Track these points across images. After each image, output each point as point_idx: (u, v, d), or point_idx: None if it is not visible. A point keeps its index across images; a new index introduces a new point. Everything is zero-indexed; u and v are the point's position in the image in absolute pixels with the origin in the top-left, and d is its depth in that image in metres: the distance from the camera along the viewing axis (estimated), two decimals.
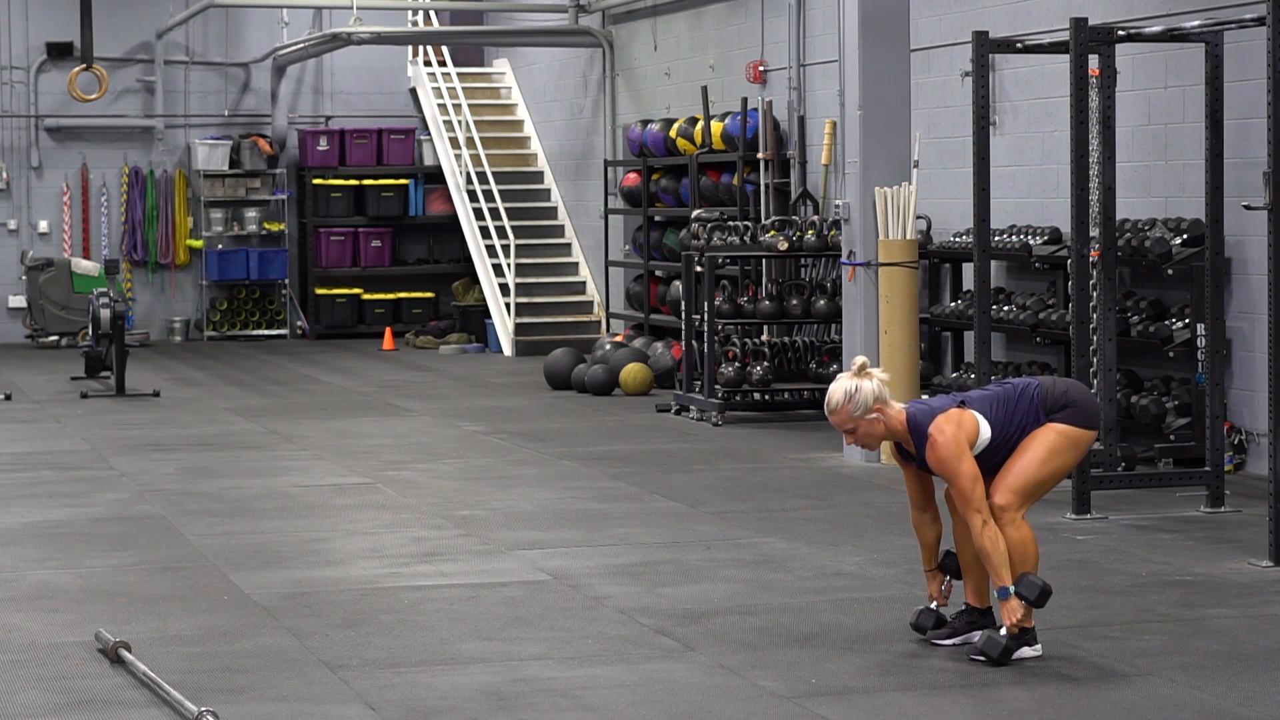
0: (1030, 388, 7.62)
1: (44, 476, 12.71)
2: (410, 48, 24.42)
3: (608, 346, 18.54)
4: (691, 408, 15.70)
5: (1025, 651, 7.49)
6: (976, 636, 7.68)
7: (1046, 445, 7.53)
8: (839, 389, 7.60)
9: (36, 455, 13.77)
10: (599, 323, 22.18)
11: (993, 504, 7.50)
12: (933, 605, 7.83)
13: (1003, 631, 7.44)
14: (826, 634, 8.00)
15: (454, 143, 23.48)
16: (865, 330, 13.11)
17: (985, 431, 7.54)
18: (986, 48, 11.80)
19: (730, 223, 16.33)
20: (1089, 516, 10.75)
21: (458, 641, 7.94)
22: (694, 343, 16.03)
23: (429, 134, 24.44)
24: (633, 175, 20.71)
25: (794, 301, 15.74)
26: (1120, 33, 11.59)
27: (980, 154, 11.74)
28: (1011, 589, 7.43)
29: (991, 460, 7.57)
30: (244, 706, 6.93)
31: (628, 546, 10.09)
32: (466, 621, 8.31)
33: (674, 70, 20.51)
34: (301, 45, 23.66)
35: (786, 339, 16.64)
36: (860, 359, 7.68)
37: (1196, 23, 11.43)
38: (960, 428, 7.51)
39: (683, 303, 16.22)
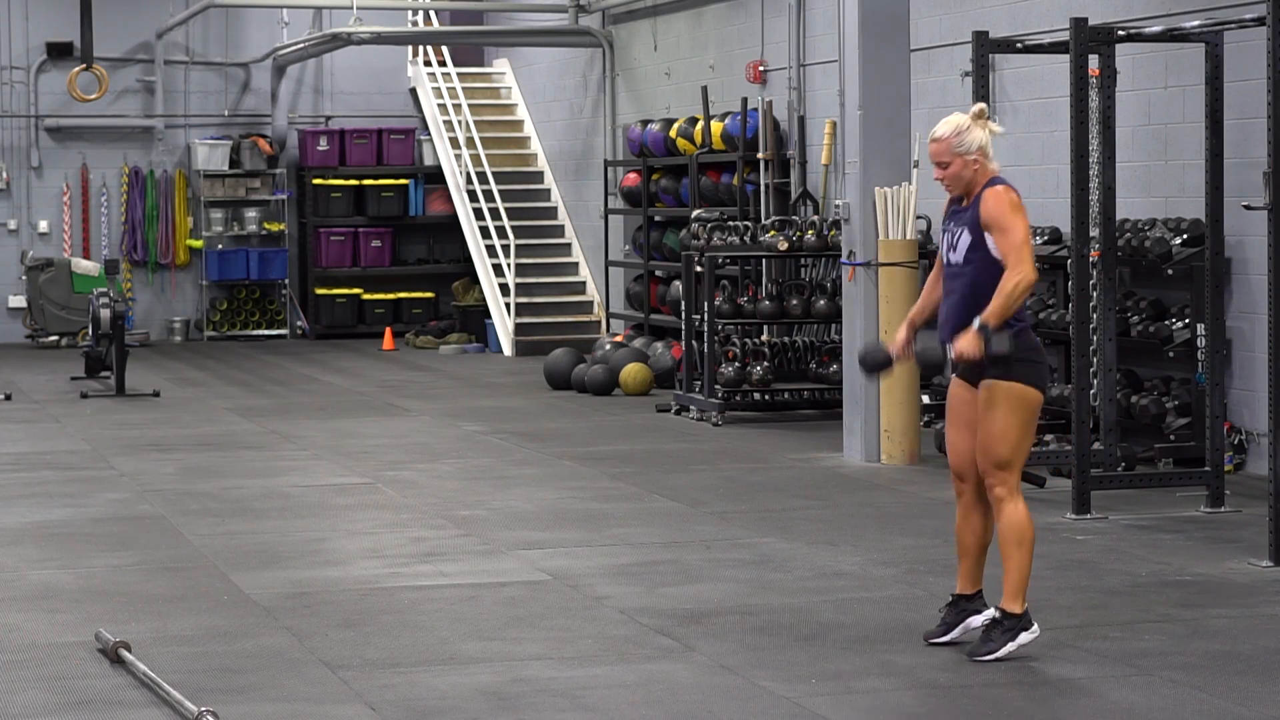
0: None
1: (44, 476, 12.71)
2: (410, 48, 24.43)
3: (608, 346, 18.55)
4: (691, 408, 15.70)
5: (1024, 638, 7.47)
6: (973, 622, 7.66)
7: (1004, 408, 7.45)
8: (951, 121, 7.59)
9: (36, 455, 13.77)
10: (599, 323, 22.18)
11: (989, 489, 7.47)
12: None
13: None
14: (826, 634, 8.00)
15: (454, 143, 23.48)
16: (865, 330, 13.11)
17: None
18: (986, 48, 11.80)
19: (730, 223, 16.34)
20: (1089, 516, 10.75)
21: (458, 641, 7.94)
22: (694, 343, 16.03)
23: (429, 134, 24.44)
24: (633, 175, 20.72)
25: (794, 301, 15.74)
26: (1120, 33, 11.59)
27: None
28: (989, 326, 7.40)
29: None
30: (244, 706, 6.93)
31: (628, 546, 10.09)
32: (466, 621, 8.31)
33: (674, 70, 20.51)
34: (301, 45, 23.66)
35: (786, 339, 16.64)
36: (980, 105, 7.63)
37: (1196, 23, 11.43)
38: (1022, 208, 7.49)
39: (683, 303, 16.22)
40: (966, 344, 7.38)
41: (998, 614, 7.52)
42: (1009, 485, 7.50)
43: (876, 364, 7.74)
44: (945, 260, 7.67)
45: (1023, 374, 7.50)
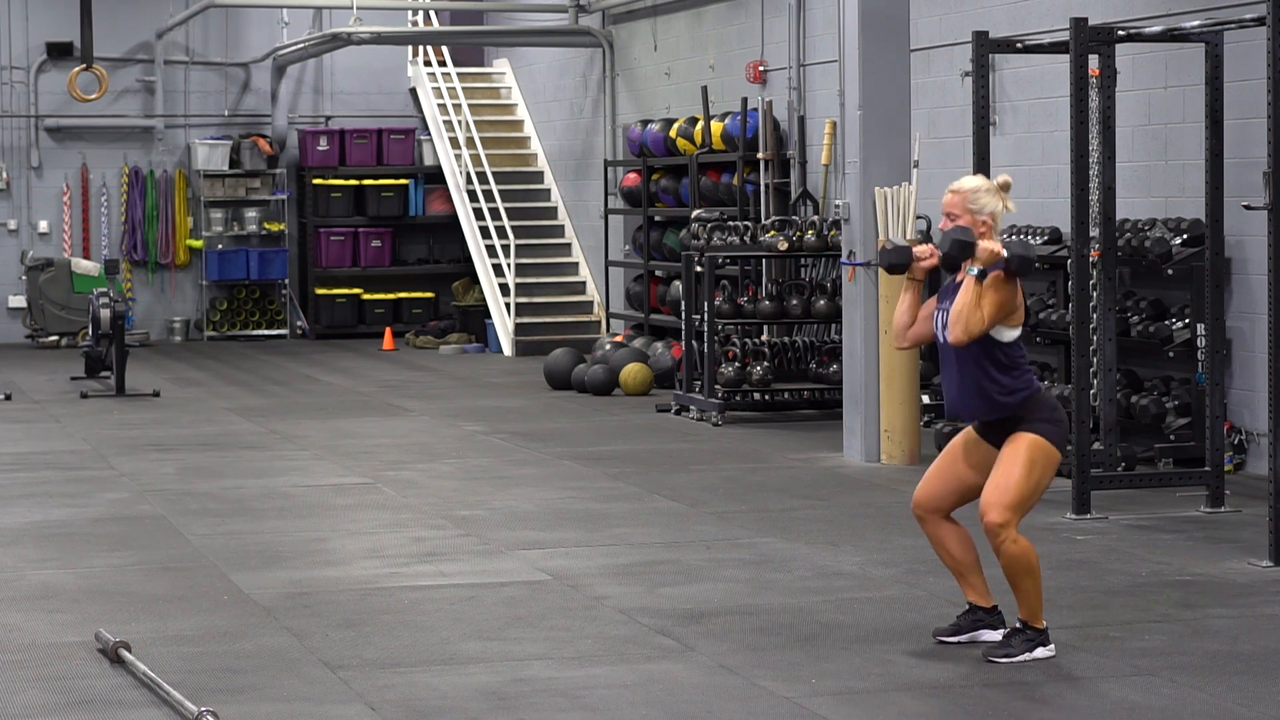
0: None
1: (44, 476, 12.71)
2: (410, 48, 24.43)
3: (608, 346, 18.55)
4: (691, 408, 15.70)
5: (1041, 652, 7.48)
6: (984, 634, 7.68)
7: (1027, 457, 7.47)
8: (974, 180, 7.62)
9: (36, 455, 13.77)
10: (599, 323, 22.18)
11: (988, 522, 7.43)
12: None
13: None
14: (826, 634, 8.00)
15: (454, 143, 23.49)
16: (865, 330, 13.12)
17: (1013, 333, 7.52)
18: (986, 48, 11.80)
19: (730, 223, 16.33)
20: (1089, 516, 10.75)
21: (458, 641, 7.94)
22: (694, 343, 16.03)
23: (429, 134, 24.45)
24: (633, 175, 20.72)
25: (794, 301, 15.74)
26: (1120, 33, 11.59)
27: (980, 154, 11.74)
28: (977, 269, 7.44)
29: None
30: (244, 706, 6.93)
31: (628, 546, 10.09)
32: (466, 621, 8.31)
33: (674, 70, 20.51)
34: (301, 45, 23.66)
35: (786, 339, 16.64)
36: (1006, 178, 7.64)
37: (1196, 23, 11.43)
38: (1011, 289, 7.48)
39: (683, 303, 16.22)
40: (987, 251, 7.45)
41: (1020, 624, 7.54)
42: (1010, 526, 7.44)
43: (897, 262, 7.70)
44: (940, 339, 7.63)
45: (1050, 433, 7.50)
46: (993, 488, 7.45)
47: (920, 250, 7.65)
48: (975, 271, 7.42)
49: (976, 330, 7.42)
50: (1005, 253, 7.44)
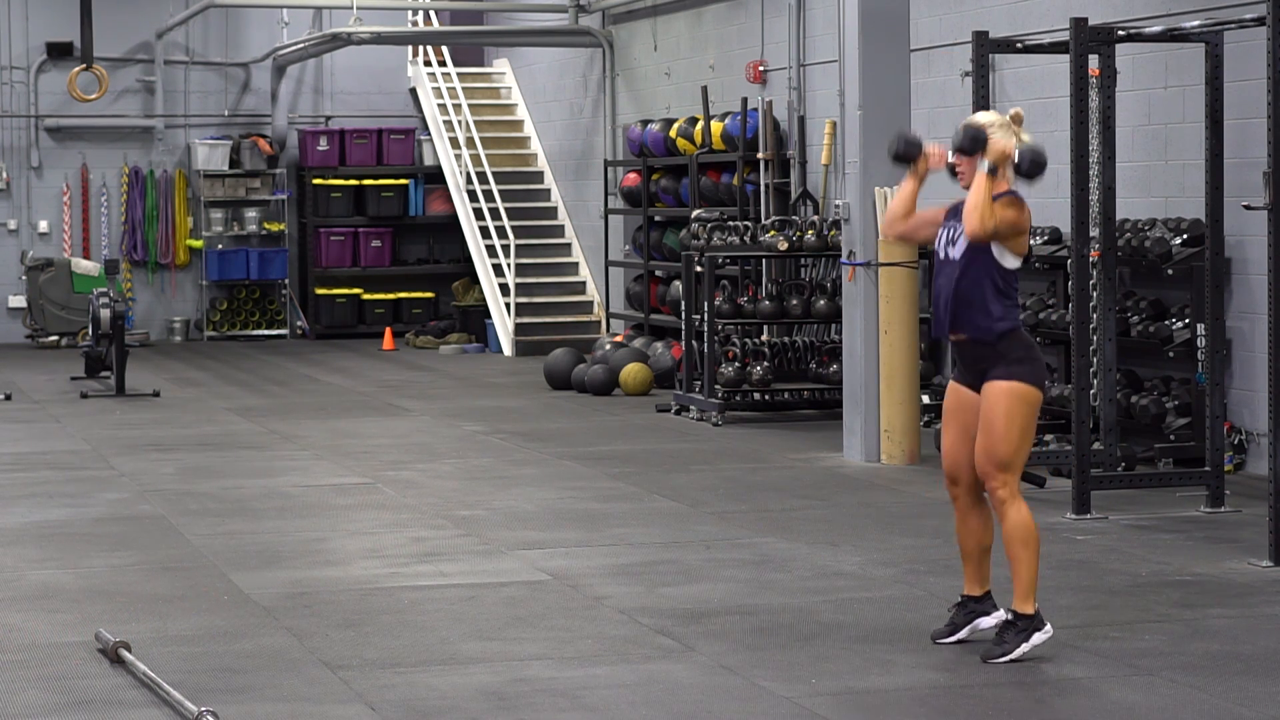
0: None
1: (44, 476, 12.71)
2: (410, 48, 24.43)
3: (608, 346, 18.55)
4: (691, 408, 15.70)
5: (1038, 638, 7.48)
6: (981, 624, 7.68)
7: (1004, 408, 7.49)
8: (987, 116, 7.68)
9: (36, 455, 13.77)
10: (599, 323, 22.18)
11: (989, 489, 7.50)
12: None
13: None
14: (826, 634, 8.00)
15: (454, 143, 23.49)
16: (865, 330, 13.12)
17: (1015, 261, 7.58)
18: (986, 48, 11.80)
19: (730, 223, 16.33)
20: (1089, 516, 10.75)
21: (458, 641, 7.94)
22: (694, 343, 16.03)
23: (429, 134, 24.44)
24: (633, 175, 20.72)
25: (794, 301, 15.74)
26: (1120, 33, 11.59)
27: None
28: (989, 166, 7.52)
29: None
30: (244, 706, 6.93)
31: (628, 546, 10.09)
32: (466, 621, 8.31)
33: (674, 70, 20.51)
34: (301, 45, 23.66)
35: (786, 339, 16.64)
36: (1018, 110, 7.70)
37: (1196, 23, 11.43)
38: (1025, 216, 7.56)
39: (683, 303, 16.22)
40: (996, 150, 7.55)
41: (1010, 616, 7.53)
42: (1010, 487, 7.51)
43: (906, 153, 7.77)
44: (941, 255, 7.70)
45: (1022, 373, 7.53)
46: (981, 452, 7.54)
47: (931, 148, 7.77)
48: (987, 167, 7.52)
49: (990, 225, 7.47)
50: (1016, 153, 7.56)
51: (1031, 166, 7.57)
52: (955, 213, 7.72)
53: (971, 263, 7.58)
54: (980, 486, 7.70)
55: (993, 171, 7.51)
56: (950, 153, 7.70)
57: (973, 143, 7.58)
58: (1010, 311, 7.58)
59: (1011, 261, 7.59)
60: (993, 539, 7.74)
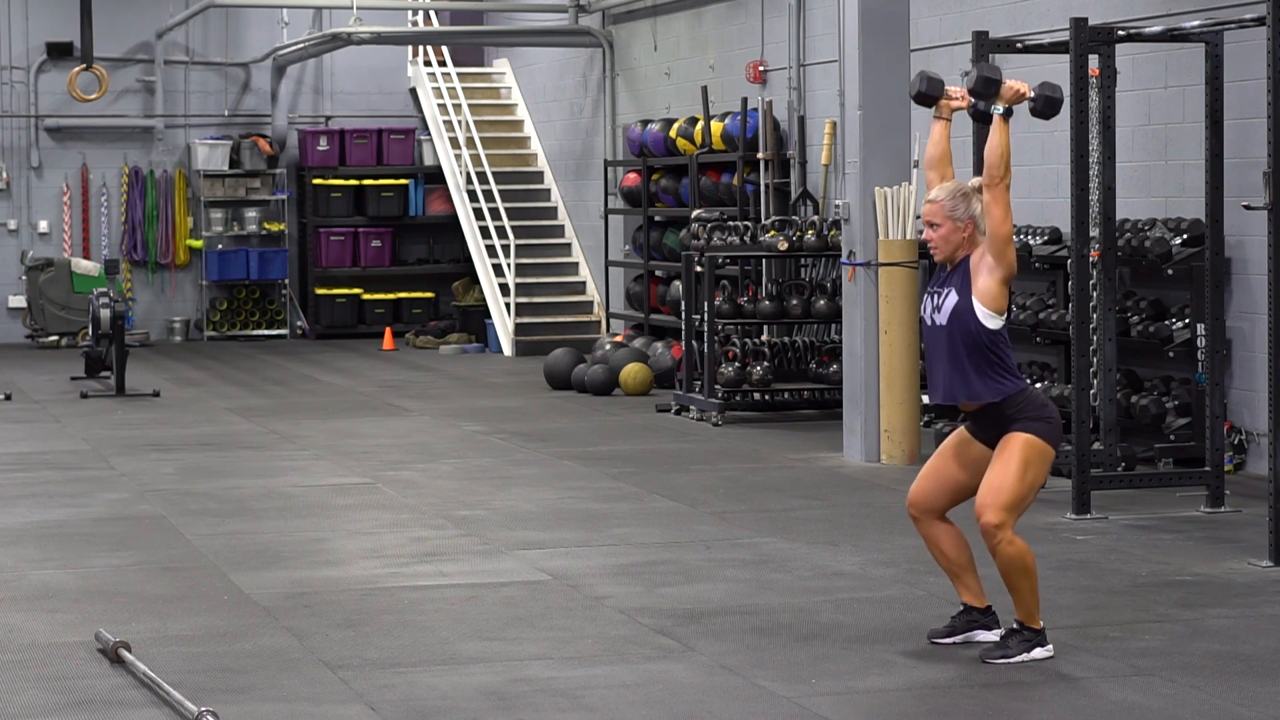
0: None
1: (44, 476, 12.71)
2: (410, 48, 24.43)
3: (608, 346, 18.55)
4: (691, 408, 15.70)
5: (1038, 653, 7.48)
6: (979, 635, 7.69)
7: (1021, 456, 7.47)
8: (950, 186, 7.67)
9: (36, 455, 13.77)
10: (599, 323, 22.18)
11: (984, 523, 7.43)
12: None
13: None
14: (826, 634, 8.00)
15: (454, 143, 23.49)
16: (865, 330, 13.12)
17: (999, 322, 7.56)
18: (986, 48, 11.80)
19: (730, 223, 16.33)
20: (1089, 516, 10.75)
21: (458, 641, 7.94)
22: (694, 343, 16.03)
23: (429, 134, 24.45)
24: (633, 175, 20.72)
25: (794, 301, 15.74)
26: (1120, 33, 11.59)
27: (981, 154, 11.73)
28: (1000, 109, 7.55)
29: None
30: (244, 706, 6.93)
31: (628, 546, 10.09)
32: (466, 621, 8.31)
33: (674, 70, 20.51)
34: (301, 45, 23.66)
35: (786, 339, 16.65)
36: (976, 180, 7.71)
37: (1196, 23, 11.43)
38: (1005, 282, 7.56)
39: (683, 303, 16.23)
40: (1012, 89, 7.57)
41: (1016, 625, 7.53)
42: (1007, 529, 7.44)
43: (929, 93, 7.80)
44: (928, 323, 7.69)
45: (1041, 430, 7.50)
46: (987, 488, 7.46)
47: (954, 89, 7.81)
48: (1001, 110, 7.54)
49: (1006, 173, 7.47)
50: (1031, 93, 7.60)
51: (1046, 105, 7.63)
52: (938, 279, 7.68)
53: (957, 329, 7.54)
54: (941, 510, 7.69)
55: (1007, 115, 7.54)
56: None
57: (987, 87, 7.60)
58: (1009, 373, 7.54)
59: (994, 321, 7.52)
60: (968, 547, 7.71)
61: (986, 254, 7.52)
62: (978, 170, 11.62)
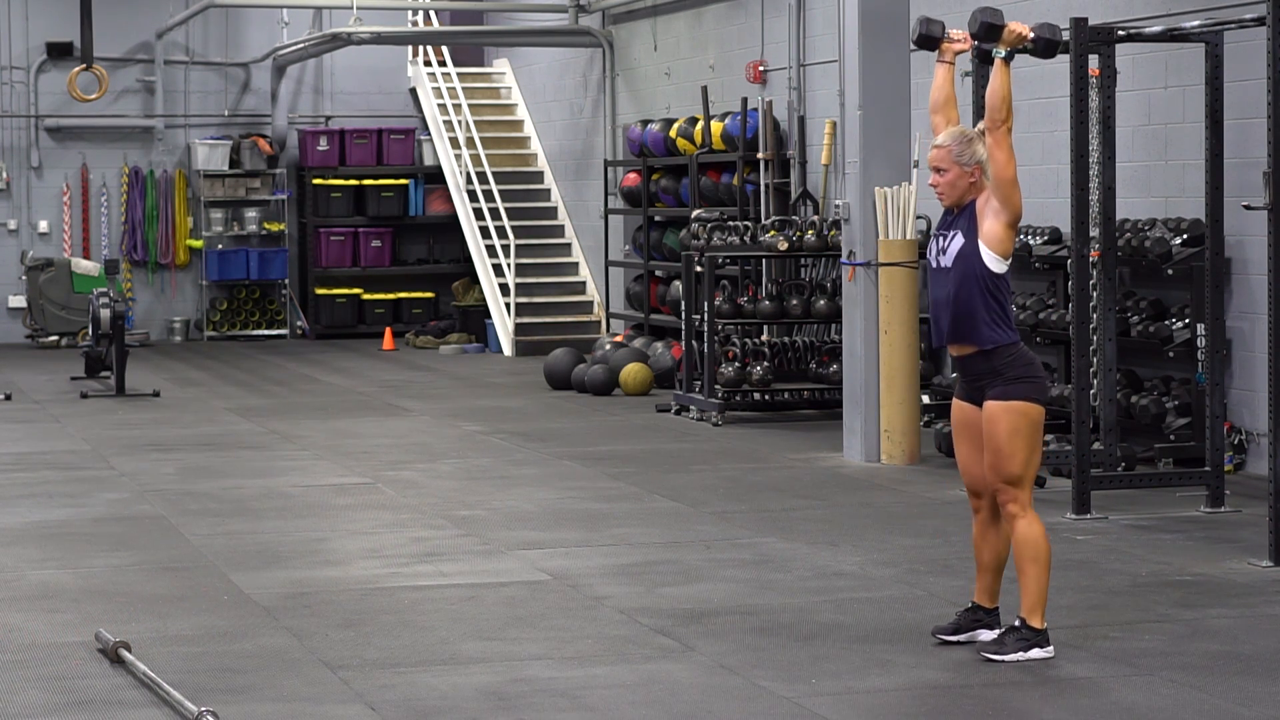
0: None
1: (44, 476, 12.71)
2: (410, 48, 24.43)
3: (608, 346, 18.55)
4: (691, 408, 15.70)
5: (1036, 653, 7.49)
6: (982, 634, 7.69)
7: (1008, 427, 7.49)
8: (956, 130, 7.78)
9: (36, 455, 13.77)
10: (599, 323, 22.18)
11: (1002, 505, 7.49)
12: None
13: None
14: (826, 634, 8.00)
15: (454, 143, 23.49)
16: (865, 330, 13.12)
17: (1003, 266, 7.59)
18: None
19: (730, 223, 16.33)
20: (1089, 516, 10.75)
21: (458, 641, 7.94)
22: (694, 343, 16.03)
23: (429, 134, 24.45)
24: (633, 175, 20.72)
25: (794, 301, 15.74)
26: (1120, 33, 11.59)
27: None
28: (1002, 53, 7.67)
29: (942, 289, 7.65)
30: (244, 706, 6.93)
31: (628, 546, 10.09)
32: (466, 621, 8.31)
33: (674, 70, 20.51)
34: (301, 45, 23.66)
35: (786, 339, 16.64)
36: (984, 124, 7.75)
37: (1196, 23, 11.43)
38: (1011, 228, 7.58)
39: (683, 303, 16.23)
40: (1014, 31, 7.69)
41: (1017, 622, 7.54)
42: (1021, 501, 7.51)
43: (931, 34, 7.88)
44: (934, 265, 7.75)
45: (1021, 391, 7.53)
46: (990, 470, 7.55)
47: (955, 32, 7.90)
48: (1003, 54, 7.63)
49: (1008, 116, 7.53)
50: (1031, 34, 7.69)
51: (1047, 47, 7.75)
52: (944, 223, 7.74)
53: (962, 270, 7.59)
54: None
55: (1009, 58, 7.60)
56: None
57: (988, 32, 7.64)
58: (1005, 323, 7.59)
59: (999, 265, 7.58)
60: (1006, 558, 7.76)
61: (992, 198, 7.56)
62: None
